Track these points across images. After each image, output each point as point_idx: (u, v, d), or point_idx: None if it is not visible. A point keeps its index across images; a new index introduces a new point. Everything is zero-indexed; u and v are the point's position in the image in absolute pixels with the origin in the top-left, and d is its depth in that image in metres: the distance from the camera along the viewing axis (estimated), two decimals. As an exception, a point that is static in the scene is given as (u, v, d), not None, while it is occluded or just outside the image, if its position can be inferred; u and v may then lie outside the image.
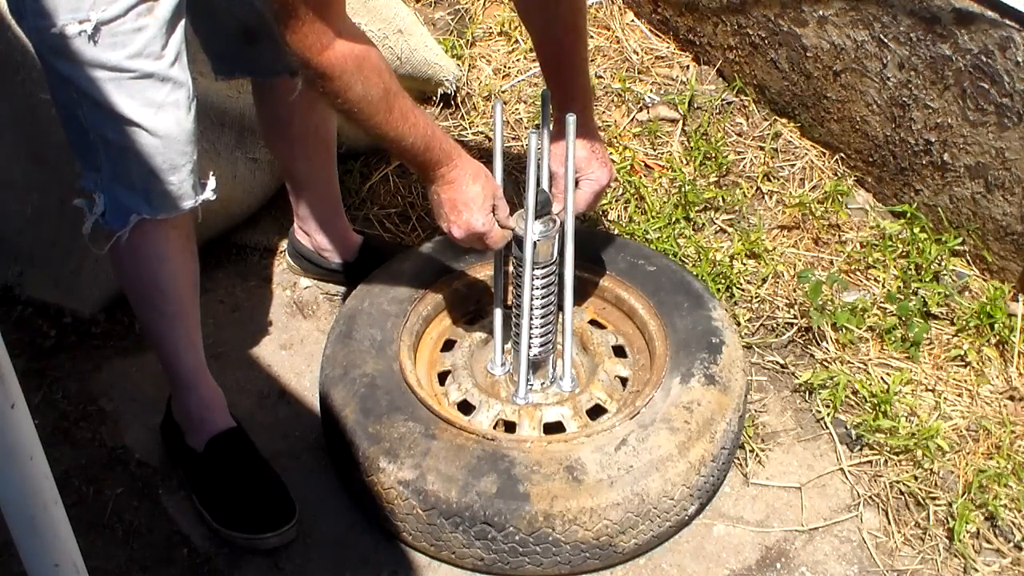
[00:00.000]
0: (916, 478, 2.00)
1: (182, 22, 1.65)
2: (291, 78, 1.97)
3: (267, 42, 1.84)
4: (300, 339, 2.30)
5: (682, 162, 2.67)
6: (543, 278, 1.93)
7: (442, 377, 2.07)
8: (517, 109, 2.82)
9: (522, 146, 2.72)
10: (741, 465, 2.05)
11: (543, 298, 1.95)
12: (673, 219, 2.49)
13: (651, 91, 2.84)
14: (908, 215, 2.45)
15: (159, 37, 1.60)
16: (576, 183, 1.93)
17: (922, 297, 2.30)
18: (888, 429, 2.06)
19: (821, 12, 2.49)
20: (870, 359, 2.21)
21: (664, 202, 2.54)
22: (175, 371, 1.96)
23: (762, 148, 2.69)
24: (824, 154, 2.66)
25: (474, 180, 1.78)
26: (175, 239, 1.81)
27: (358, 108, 1.63)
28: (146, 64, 1.59)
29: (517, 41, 2.99)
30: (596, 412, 1.99)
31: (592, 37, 3.01)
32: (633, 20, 3.05)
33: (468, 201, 1.78)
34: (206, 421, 1.97)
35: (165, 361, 1.96)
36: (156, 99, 1.62)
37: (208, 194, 1.78)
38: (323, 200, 2.28)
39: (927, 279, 2.34)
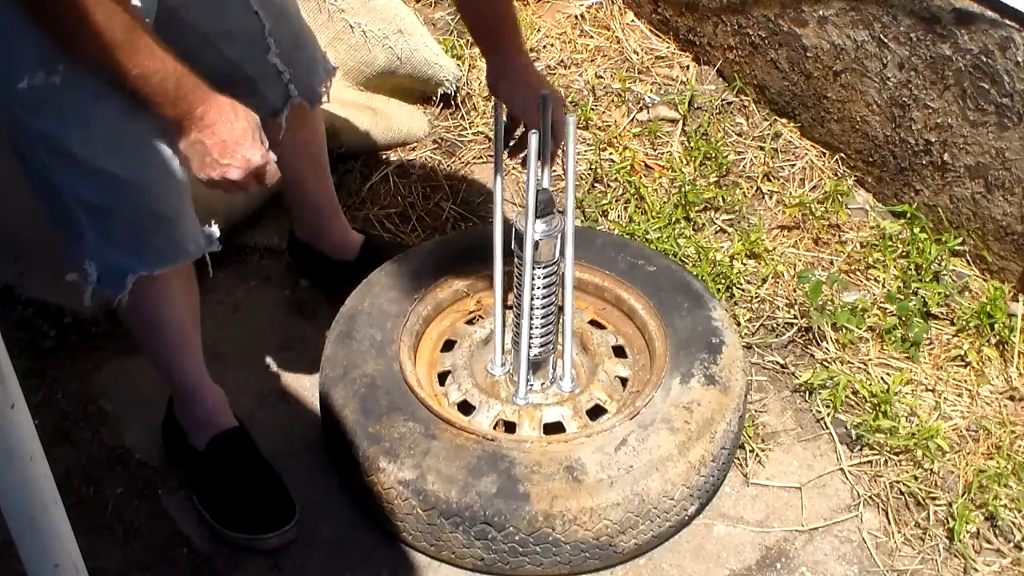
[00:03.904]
0: (916, 478, 2.00)
1: None
2: (272, 118, 1.91)
3: (243, 88, 1.78)
4: (300, 339, 2.30)
5: (682, 162, 2.67)
6: (544, 278, 1.93)
7: (442, 377, 2.07)
8: (517, 109, 2.82)
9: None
10: (741, 465, 2.05)
11: (544, 298, 1.95)
12: (673, 219, 2.49)
13: (651, 91, 2.84)
14: (908, 215, 2.45)
15: None
16: (542, 107, 1.88)
17: (922, 297, 2.30)
18: (888, 429, 2.06)
19: (821, 12, 2.49)
20: (870, 359, 2.21)
21: (664, 202, 2.54)
22: (176, 383, 1.97)
23: (762, 148, 2.69)
24: (824, 154, 2.66)
25: (236, 116, 1.58)
26: (177, 284, 1.79)
27: (99, 42, 1.43)
28: (123, 111, 1.52)
29: (517, 41, 2.99)
30: (596, 412, 1.99)
31: (592, 37, 3.01)
32: (633, 20, 3.05)
33: (238, 138, 1.58)
34: (208, 422, 1.97)
35: (165, 376, 1.97)
36: (138, 147, 1.56)
37: (213, 246, 1.73)
38: (320, 207, 2.27)
39: (927, 279, 2.34)
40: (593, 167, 2.63)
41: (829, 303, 2.29)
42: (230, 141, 1.57)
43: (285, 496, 1.93)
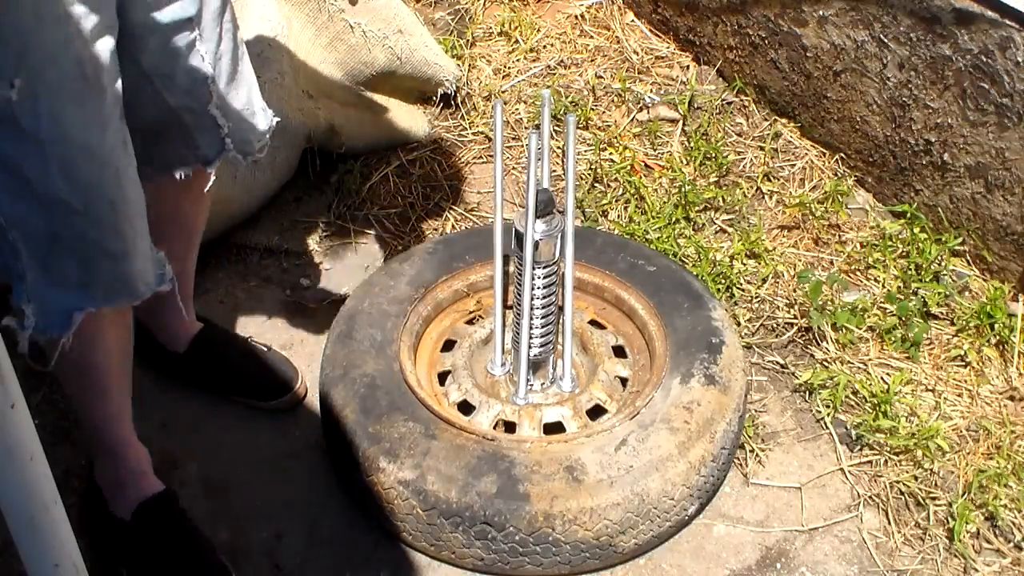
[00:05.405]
0: (916, 478, 2.00)
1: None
2: (203, 167, 1.76)
3: (177, 139, 1.70)
4: (300, 339, 2.30)
5: (682, 162, 2.67)
6: (544, 278, 1.93)
7: (442, 377, 2.07)
8: (517, 109, 2.82)
9: (522, 146, 2.72)
10: (741, 465, 2.05)
11: (544, 298, 1.95)
12: (673, 219, 2.49)
13: (651, 91, 2.84)
14: (908, 215, 2.45)
15: None
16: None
17: (922, 297, 2.30)
18: (888, 429, 2.06)
19: (821, 12, 2.49)
20: (870, 359, 2.21)
21: (664, 202, 2.54)
22: (99, 440, 1.86)
23: (762, 148, 2.69)
24: (824, 154, 2.66)
25: None
26: (110, 324, 1.67)
27: None
28: (84, 130, 1.43)
29: (517, 41, 2.99)
30: (596, 412, 1.99)
31: (592, 37, 3.01)
32: (633, 20, 3.05)
33: None
34: (131, 484, 1.87)
35: (89, 429, 1.86)
36: (93, 178, 1.46)
37: (165, 285, 1.61)
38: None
39: (927, 279, 2.34)
40: (593, 167, 2.63)
41: (829, 303, 2.29)
42: None
43: (216, 561, 1.83)
